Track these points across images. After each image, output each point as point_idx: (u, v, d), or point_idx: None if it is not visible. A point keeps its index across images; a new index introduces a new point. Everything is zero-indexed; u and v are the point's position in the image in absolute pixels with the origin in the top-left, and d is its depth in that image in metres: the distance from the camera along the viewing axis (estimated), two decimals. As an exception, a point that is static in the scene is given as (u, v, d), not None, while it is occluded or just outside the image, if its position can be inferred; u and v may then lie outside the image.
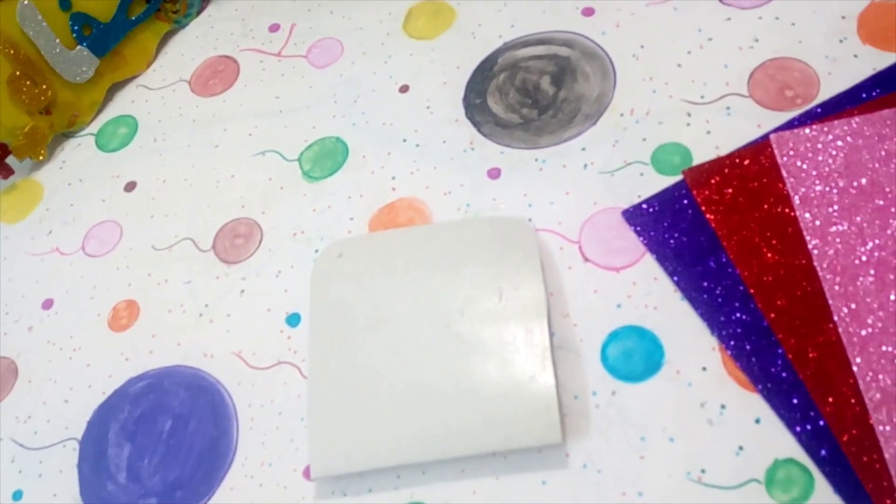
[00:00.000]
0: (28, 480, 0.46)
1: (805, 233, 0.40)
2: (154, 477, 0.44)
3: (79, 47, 0.59)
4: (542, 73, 0.51)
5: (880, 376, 0.36)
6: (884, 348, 0.36)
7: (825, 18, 0.47)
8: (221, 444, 0.44)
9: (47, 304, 0.53)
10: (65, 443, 0.47)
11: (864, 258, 0.39)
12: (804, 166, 0.42)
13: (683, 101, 0.47)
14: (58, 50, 0.58)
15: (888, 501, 0.33)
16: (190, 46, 0.64)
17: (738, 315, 0.39)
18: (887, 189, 0.40)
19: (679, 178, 0.44)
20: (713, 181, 0.43)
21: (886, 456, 0.34)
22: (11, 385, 0.50)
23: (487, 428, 0.39)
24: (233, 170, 0.55)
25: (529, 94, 0.51)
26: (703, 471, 0.37)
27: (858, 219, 0.40)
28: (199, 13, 0.65)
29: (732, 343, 0.39)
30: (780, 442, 0.36)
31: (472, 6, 0.57)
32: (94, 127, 0.62)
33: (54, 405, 0.49)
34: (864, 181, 0.41)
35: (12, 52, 0.56)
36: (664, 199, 0.44)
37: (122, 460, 0.45)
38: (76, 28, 0.59)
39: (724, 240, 0.41)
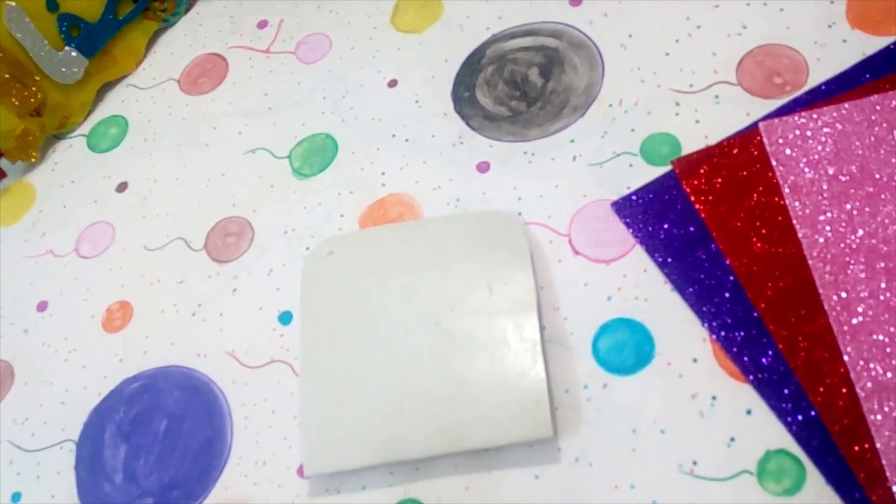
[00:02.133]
0: (26, 482, 0.47)
1: (795, 221, 0.40)
2: (150, 477, 0.44)
3: (67, 48, 0.59)
4: (530, 65, 0.51)
5: (871, 365, 0.36)
6: (875, 337, 0.36)
7: (813, 3, 0.47)
8: (216, 443, 0.44)
9: (42, 307, 0.53)
10: (62, 444, 0.47)
11: (854, 246, 0.38)
12: (793, 154, 0.42)
13: (672, 91, 0.47)
14: (46, 51, 0.58)
15: (880, 491, 0.33)
16: (179, 45, 0.63)
17: (728, 306, 0.39)
18: (877, 176, 0.40)
19: (668, 168, 0.44)
20: (702, 171, 0.43)
21: (878, 445, 0.34)
22: (8, 388, 0.50)
23: (479, 424, 0.39)
24: (223, 168, 0.54)
25: (518, 87, 0.50)
26: (694, 462, 0.36)
27: (848, 206, 0.39)
28: (187, 11, 0.65)
29: (723, 334, 0.39)
30: (772, 433, 0.36)
31: (459, -2, 0.56)
32: (86, 128, 0.62)
33: (50, 407, 0.49)
34: (853, 168, 0.40)
35: (0, 55, 0.56)
36: (653, 190, 0.44)
37: (118, 461, 0.45)
38: (64, 29, 0.59)
39: (714, 230, 0.41)
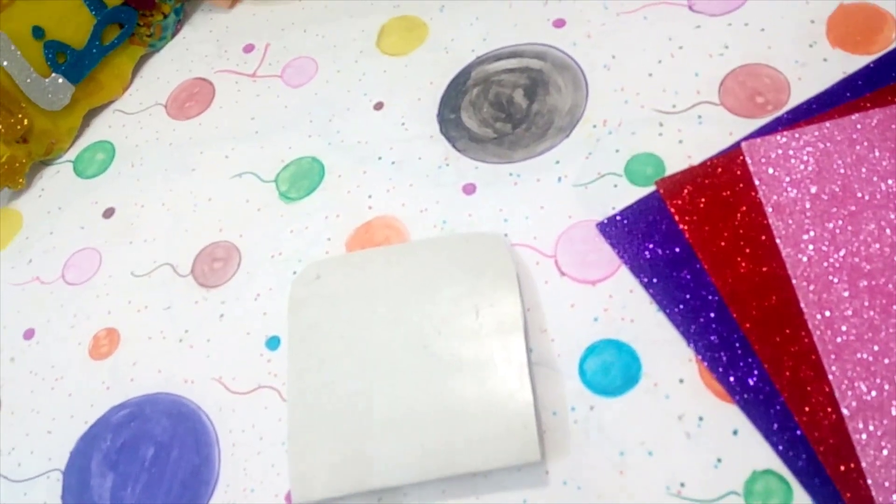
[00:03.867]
0: (13, 513, 0.46)
1: (778, 240, 0.40)
2: (137, 506, 0.44)
3: (53, 75, 0.59)
4: (514, 87, 0.51)
5: (856, 384, 0.36)
6: (859, 356, 0.36)
7: (794, 23, 0.47)
8: (203, 471, 0.44)
9: (28, 335, 0.53)
10: (48, 474, 0.47)
11: (837, 265, 0.39)
12: (776, 173, 0.42)
13: (655, 111, 0.47)
14: (32, 78, 0.58)
15: (866, 510, 0.33)
16: (165, 70, 0.63)
17: (713, 325, 0.39)
18: (859, 195, 0.40)
19: (653, 188, 0.44)
20: (686, 191, 0.43)
21: (864, 465, 0.34)
22: (-5, 417, 0.50)
23: (467, 448, 0.39)
24: (210, 193, 0.54)
25: (503, 108, 0.51)
26: (682, 484, 0.36)
27: (831, 225, 0.40)
28: (173, 36, 0.65)
29: (708, 354, 0.39)
30: (758, 453, 0.36)
31: (444, 21, 0.57)
32: (72, 154, 0.62)
33: (37, 436, 0.48)
34: (835, 187, 0.41)
35: (-14, 82, 0.56)
36: (638, 211, 0.44)
37: (105, 490, 0.45)
38: (50, 56, 0.59)
39: (698, 250, 0.41)
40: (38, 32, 0.58)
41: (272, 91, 0.58)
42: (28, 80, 0.58)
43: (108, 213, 0.57)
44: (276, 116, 0.57)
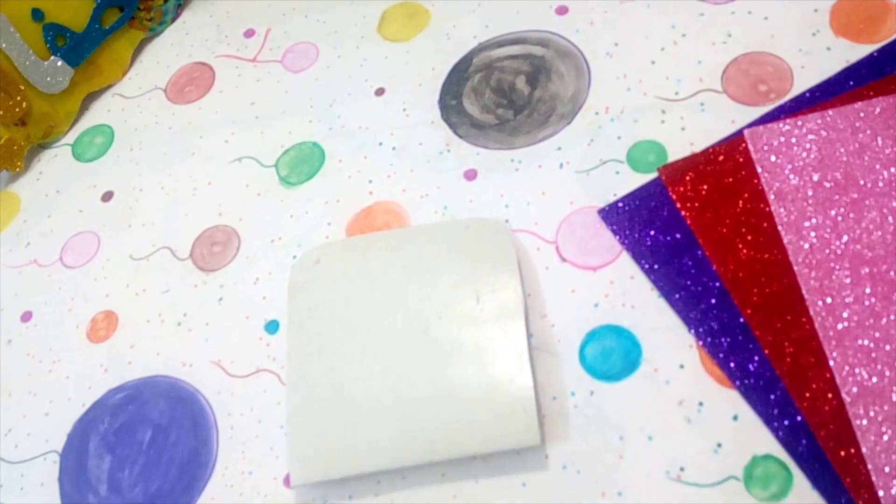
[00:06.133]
0: (9, 494, 0.46)
1: (780, 227, 0.40)
2: (135, 488, 0.44)
3: (53, 58, 0.59)
4: (517, 73, 0.51)
5: (857, 370, 0.36)
6: (860, 342, 0.36)
7: (798, 12, 0.47)
8: (201, 454, 0.44)
9: (26, 317, 0.53)
10: (45, 456, 0.47)
11: (839, 252, 0.39)
12: (778, 161, 0.42)
13: (658, 98, 0.47)
14: (31, 61, 0.58)
15: (866, 495, 0.33)
16: (165, 54, 0.63)
17: (714, 312, 0.39)
18: (861, 182, 0.40)
19: (654, 175, 0.44)
20: (688, 178, 0.43)
21: (864, 450, 0.34)
22: (-8, 399, 0.50)
23: (466, 431, 0.39)
24: (209, 177, 0.54)
25: (505, 95, 0.51)
26: (681, 469, 0.36)
27: (833, 213, 0.40)
28: (173, 20, 0.65)
29: (709, 340, 0.39)
30: (758, 438, 0.36)
31: (446, 7, 0.56)
32: (71, 137, 0.61)
33: (34, 418, 0.48)
34: (838, 175, 0.41)
35: (-15, 64, 0.56)
36: (640, 197, 0.44)
37: (102, 472, 0.45)
38: (49, 38, 0.58)
39: (700, 236, 0.41)
40: (37, 14, 0.58)
41: (272, 76, 0.58)
42: (27, 63, 0.58)
43: (107, 196, 0.56)
44: (276, 101, 0.57)
